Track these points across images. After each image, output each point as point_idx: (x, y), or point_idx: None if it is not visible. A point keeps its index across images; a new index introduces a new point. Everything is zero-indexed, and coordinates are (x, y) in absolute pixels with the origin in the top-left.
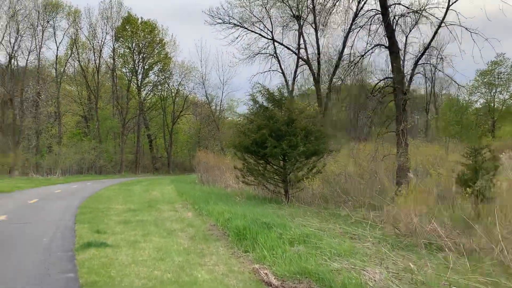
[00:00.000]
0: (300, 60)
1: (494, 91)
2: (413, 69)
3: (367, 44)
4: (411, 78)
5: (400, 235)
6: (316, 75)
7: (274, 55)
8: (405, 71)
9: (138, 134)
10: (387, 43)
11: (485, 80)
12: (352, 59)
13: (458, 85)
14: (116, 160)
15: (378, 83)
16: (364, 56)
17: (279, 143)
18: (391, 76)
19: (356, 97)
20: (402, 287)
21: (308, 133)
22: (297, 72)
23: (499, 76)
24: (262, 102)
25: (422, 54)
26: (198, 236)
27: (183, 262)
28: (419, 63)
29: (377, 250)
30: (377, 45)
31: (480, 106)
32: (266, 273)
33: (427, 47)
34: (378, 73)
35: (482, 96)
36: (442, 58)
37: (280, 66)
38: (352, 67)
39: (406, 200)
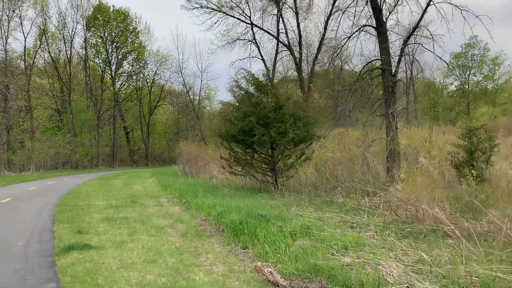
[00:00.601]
0: (280, 45)
1: (468, 73)
2: (402, 50)
3: (353, 25)
4: (399, 59)
5: (400, 222)
6: (298, 61)
7: (253, 41)
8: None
9: (114, 126)
10: (374, 23)
11: (459, 62)
12: (337, 42)
13: (448, 65)
14: (92, 154)
15: (366, 65)
16: (351, 38)
17: (267, 131)
18: (379, 58)
19: (341, 82)
20: (425, 282)
21: (296, 119)
22: (277, 58)
23: (473, 58)
24: (248, 89)
25: (411, 34)
26: (190, 233)
27: (177, 263)
28: (407, 43)
29: (383, 239)
30: (364, 25)
31: (455, 89)
32: (270, 272)
33: (415, 27)
34: (360, 60)
35: (456, 79)
36: (432, 37)
37: (260, 52)
38: (338, 50)
39: (407, 184)
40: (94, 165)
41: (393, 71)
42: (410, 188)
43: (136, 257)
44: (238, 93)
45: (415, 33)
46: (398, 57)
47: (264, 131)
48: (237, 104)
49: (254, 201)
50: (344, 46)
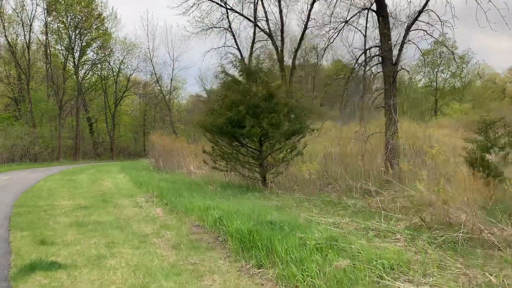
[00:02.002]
0: (257, 34)
1: (436, 70)
2: (404, 36)
3: (349, 8)
4: (401, 46)
5: (426, 228)
6: (279, 50)
7: (229, 29)
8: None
9: (78, 117)
10: (375, 6)
11: (428, 59)
12: (334, 26)
13: (453, 54)
14: (53, 146)
15: (364, 52)
16: (349, 22)
17: (258, 122)
18: (378, 44)
19: (330, 74)
20: None
21: (290, 109)
22: (254, 48)
23: (441, 56)
24: (235, 76)
25: (416, 19)
26: (183, 244)
27: None
28: (411, 29)
29: (425, 253)
30: (364, 8)
31: (424, 85)
32: None
33: (421, 10)
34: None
35: (425, 76)
36: (442, 23)
37: (236, 42)
38: (335, 35)
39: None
40: (55, 158)
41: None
42: (442, 192)
43: (121, 281)
44: (225, 79)
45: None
46: (400, 44)
47: (255, 122)
48: (224, 91)
49: (247, 201)
50: (342, 30)
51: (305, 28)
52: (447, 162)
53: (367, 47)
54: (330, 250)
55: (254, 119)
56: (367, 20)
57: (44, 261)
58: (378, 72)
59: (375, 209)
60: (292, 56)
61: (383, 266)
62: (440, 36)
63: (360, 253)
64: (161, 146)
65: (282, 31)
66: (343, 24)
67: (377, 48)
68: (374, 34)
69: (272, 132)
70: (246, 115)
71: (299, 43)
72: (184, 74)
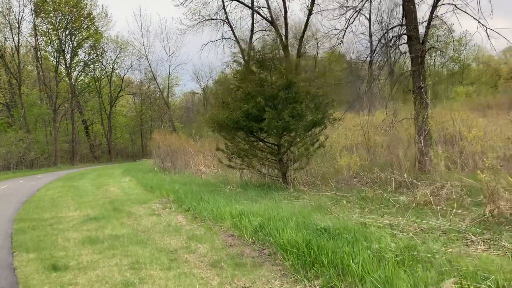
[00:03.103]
0: (256, 22)
1: (434, 54)
2: (432, 13)
3: None
4: (429, 23)
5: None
6: (283, 38)
7: (226, 20)
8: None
9: (73, 120)
10: None
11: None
12: (353, 4)
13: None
14: (49, 151)
15: (387, 31)
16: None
17: (278, 114)
18: (404, 23)
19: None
20: None
21: (312, 98)
22: (253, 39)
23: (438, 40)
24: (248, 65)
25: None
26: (223, 261)
27: None
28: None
29: None
30: None
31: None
32: None
33: None
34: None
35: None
36: None
37: (234, 33)
38: (355, 15)
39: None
40: (52, 164)
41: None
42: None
43: None
44: (237, 69)
45: None
46: (427, 22)
47: (275, 114)
48: (238, 82)
49: (277, 202)
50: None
51: (310, 13)
52: (493, 146)
53: (388, 26)
54: (413, 263)
55: (273, 111)
56: (370, 3)
57: None
58: (405, 53)
59: (422, 203)
60: (298, 44)
61: (495, 283)
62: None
63: (453, 265)
64: (167, 146)
65: (285, 17)
66: (362, 2)
67: (403, 27)
68: (394, 13)
69: (294, 124)
70: (265, 107)
71: (304, 30)
72: (178, 72)
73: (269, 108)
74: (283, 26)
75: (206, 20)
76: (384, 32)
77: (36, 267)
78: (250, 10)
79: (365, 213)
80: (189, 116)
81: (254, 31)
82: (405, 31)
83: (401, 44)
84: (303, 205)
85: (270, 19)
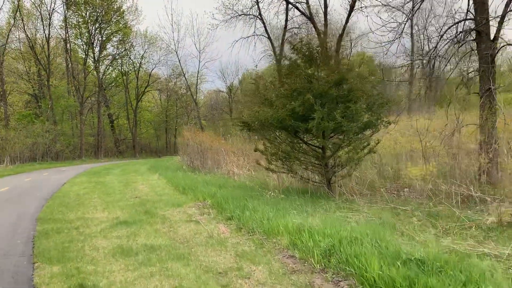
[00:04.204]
0: (289, 20)
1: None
2: (507, 5)
3: None
4: (502, 18)
5: None
6: (322, 35)
7: (259, 16)
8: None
9: (99, 113)
10: None
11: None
12: None
13: None
14: (74, 144)
15: (452, 25)
16: None
17: (328, 113)
18: (471, 17)
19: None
20: None
21: (367, 98)
22: (286, 36)
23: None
24: (295, 59)
25: None
26: None
27: None
28: None
29: None
30: None
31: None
32: None
33: None
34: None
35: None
36: None
37: (266, 30)
38: (419, 3)
39: None
40: (76, 156)
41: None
42: None
43: None
44: (282, 64)
45: None
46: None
47: (325, 113)
48: (283, 78)
49: (329, 214)
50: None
51: (351, 9)
52: None
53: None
54: None
55: (324, 109)
56: None
57: None
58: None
59: (506, 224)
60: (336, 42)
61: None
62: None
63: None
64: (198, 144)
65: (325, 13)
66: None
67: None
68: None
69: (347, 126)
70: (316, 105)
71: (344, 27)
72: (207, 68)
73: (318, 107)
74: (322, 22)
75: (239, 15)
76: (449, 26)
77: (59, 284)
78: (285, 5)
79: (441, 234)
80: (213, 114)
81: (287, 28)
82: (473, 26)
83: (466, 41)
84: (363, 221)
85: (308, 14)
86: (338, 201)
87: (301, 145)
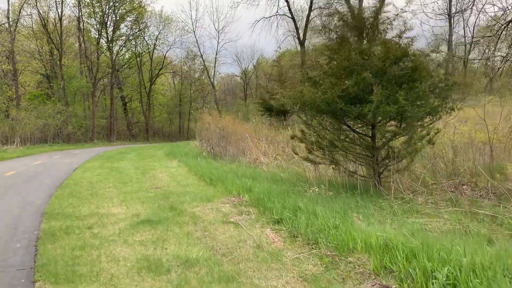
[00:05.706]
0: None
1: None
2: None
3: None
4: None
5: None
6: (355, 14)
7: None
8: None
9: (112, 95)
10: None
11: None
12: None
13: None
14: (86, 126)
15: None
16: None
17: (388, 95)
18: None
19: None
20: None
21: (435, 78)
22: (311, 16)
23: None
24: (344, 33)
25: None
26: None
27: None
28: None
29: None
30: None
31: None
32: None
33: None
34: None
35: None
36: None
37: (290, 9)
38: None
39: None
40: (88, 139)
41: None
42: None
43: None
44: (327, 39)
45: None
46: None
47: (385, 95)
48: (329, 52)
49: (402, 219)
50: None
51: None
52: None
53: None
54: None
55: (386, 90)
56: None
57: None
58: None
59: None
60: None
61: None
62: None
63: None
64: (220, 128)
65: None
66: None
67: None
68: None
69: (412, 111)
70: (374, 85)
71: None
72: (226, 49)
73: (378, 87)
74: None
75: None
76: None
77: None
78: None
79: None
80: (226, 99)
81: (312, 8)
82: None
83: None
84: (452, 230)
85: None
86: (391, 199)
87: (348, 132)
